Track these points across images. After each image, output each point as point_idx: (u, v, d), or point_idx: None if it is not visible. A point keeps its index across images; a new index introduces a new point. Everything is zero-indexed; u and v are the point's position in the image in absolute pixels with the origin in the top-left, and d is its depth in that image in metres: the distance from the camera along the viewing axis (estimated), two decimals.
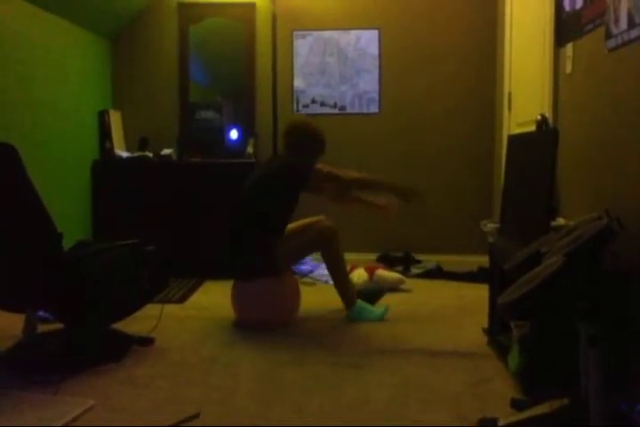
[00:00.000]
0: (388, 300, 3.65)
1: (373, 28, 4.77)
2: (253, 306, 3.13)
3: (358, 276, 3.83)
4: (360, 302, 3.26)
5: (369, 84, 4.80)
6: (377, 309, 3.27)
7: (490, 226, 3.13)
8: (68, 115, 4.16)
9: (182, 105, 4.85)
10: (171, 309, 3.35)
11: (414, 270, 4.41)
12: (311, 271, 4.28)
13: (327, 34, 4.79)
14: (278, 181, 3.21)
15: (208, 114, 4.67)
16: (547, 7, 3.27)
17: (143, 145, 4.64)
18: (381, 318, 3.20)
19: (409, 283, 4.03)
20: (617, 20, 2.35)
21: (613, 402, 1.75)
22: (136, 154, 4.53)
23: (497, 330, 2.72)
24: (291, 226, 3.33)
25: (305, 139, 3.28)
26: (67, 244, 2.68)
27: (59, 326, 2.74)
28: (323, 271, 3.90)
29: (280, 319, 3.14)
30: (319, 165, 3.25)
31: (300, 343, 2.87)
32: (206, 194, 4.31)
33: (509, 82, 4.19)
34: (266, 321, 3.09)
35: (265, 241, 3.13)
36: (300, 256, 3.33)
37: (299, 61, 4.83)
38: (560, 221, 2.73)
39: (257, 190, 3.23)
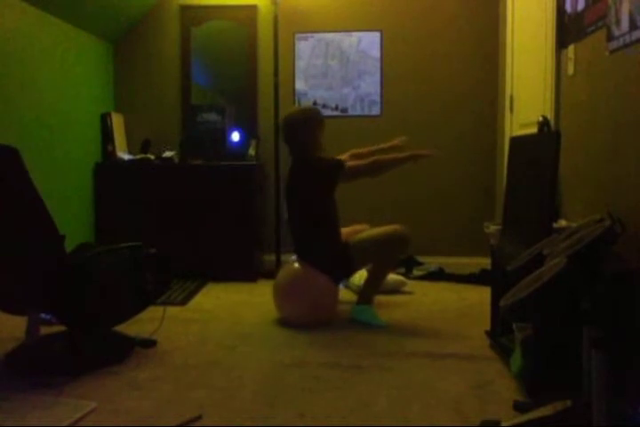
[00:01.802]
0: (389, 302, 3.65)
1: (375, 31, 4.77)
2: (309, 302, 3.18)
3: (360, 277, 3.83)
4: (371, 306, 3.28)
5: (371, 86, 4.80)
6: (380, 318, 3.26)
7: (492, 228, 3.13)
8: (70, 117, 4.17)
9: (184, 107, 4.86)
10: (173, 311, 3.36)
11: (416, 272, 4.41)
12: None
13: (329, 36, 4.80)
14: (316, 179, 3.29)
15: (210, 116, 4.68)
16: (548, 9, 3.28)
17: (145, 147, 4.65)
18: (379, 326, 3.19)
19: (411, 285, 4.03)
20: (618, 22, 2.35)
21: (617, 404, 1.74)
22: (138, 156, 4.54)
23: (499, 332, 2.72)
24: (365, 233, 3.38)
25: (298, 127, 3.38)
26: (69, 246, 2.68)
27: (61, 328, 2.74)
28: None
29: (327, 317, 3.22)
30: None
31: (302, 345, 2.87)
32: (208, 196, 4.32)
33: (511, 84, 4.19)
34: (315, 318, 3.17)
35: (332, 236, 3.28)
36: (371, 260, 3.33)
37: (300, 64, 4.83)
38: (562, 222, 2.73)
39: (304, 194, 3.32)
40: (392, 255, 3.30)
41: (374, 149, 3.66)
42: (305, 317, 3.16)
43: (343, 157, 3.53)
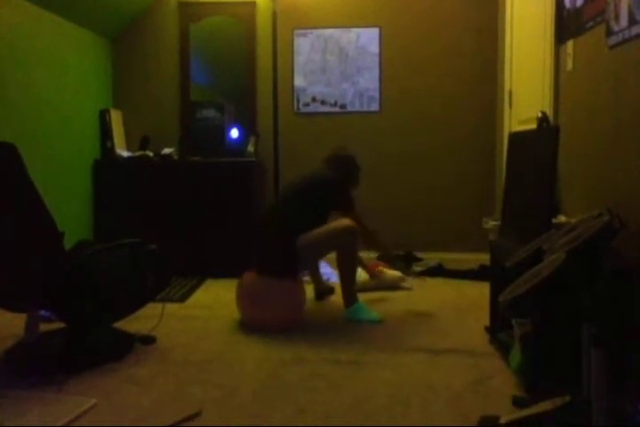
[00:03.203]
0: (389, 298, 3.65)
1: (374, 27, 4.77)
2: (263, 305, 3.11)
3: (357, 275, 3.82)
4: (359, 303, 3.26)
5: (369, 82, 4.80)
6: (373, 312, 3.26)
7: (491, 223, 3.13)
8: (68, 114, 4.16)
9: (183, 104, 4.85)
10: (172, 307, 3.36)
11: (416, 268, 4.40)
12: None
13: (328, 32, 4.79)
14: (323, 191, 3.29)
15: (209, 113, 4.67)
16: (547, 4, 3.27)
17: (144, 144, 4.64)
18: (376, 322, 3.18)
19: (410, 281, 4.03)
20: (617, 18, 2.34)
21: (616, 401, 1.75)
22: (137, 153, 4.53)
23: (498, 328, 2.72)
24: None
25: (352, 167, 3.47)
26: (68, 243, 2.68)
27: (60, 325, 2.74)
28: (323, 270, 3.90)
29: (289, 320, 3.13)
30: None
31: (301, 342, 2.87)
32: (207, 193, 4.31)
33: (510, 79, 4.19)
34: (274, 321, 3.08)
35: (290, 241, 3.16)
36: (319, 252, 3.31)
37: (299, 60, 4.83)
38: (561, 218, 2.73)
39: (297, 196, 3.28)
40: (347, 249, 3.21)
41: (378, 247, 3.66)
42: (270, 320, 3.08)
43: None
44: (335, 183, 3.32)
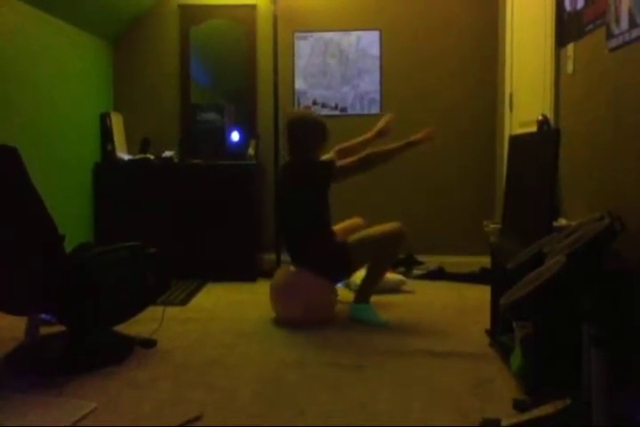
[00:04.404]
0: (390, 301, 3.64)
1: (374, 30, 4.77)
2: (300, 301, 3.16)
3: (359, 277, 3.82)
4: (369, 304, 3.27)
5: (370, 85, 4.80)
6: (380, 316, 3.26)
7: (492, 226, 3.13)
8: (69, 117, 4.16)
9: (183, 107, 4.86)
10: (173, 311, 3.36)
11: (416, 272, 4.40)
12: None
13: (328, 35, 4.80)
14: (306, 181, 3.27)
15: (209, 116, 4.68)
16: (547, 7, 3.27)
17: (145, 147, 4.64)
18: (380, 325, 3.18)
19: (411, 284, 4.03)
20: (618, 20, 2.35)
21: (617, 402, 1.74)
22: (137, 156, 4.54)
23: (499, 331, 2.72)
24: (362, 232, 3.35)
25: (306, 131, 3.32)
26: (68, 246, 2.68)
27: (61, 328, 2.74)
28: None
29: (325, 317, 3.21)
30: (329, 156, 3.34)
31: (302, 344, 2.87)
32: (208, 196, 4.32)
33: (510, 82, 4.19)
34: (313, 318, 3.16)
35: (327, 238, 3.25)
36: (368, 255, 3.28)
37: (300, 63, 4.83)
38: (562, 221, 2.73)
39: (294, 196, 3.31)
40: (390, 253, 3.29)
41: (361, 141, 3.60)
42: (301, 318, 3.15)
43: (329, 155, 3.51)
44: (306, 167, 3.28)
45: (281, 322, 3.20)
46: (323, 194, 3.29)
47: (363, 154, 3.28)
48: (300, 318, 3.15)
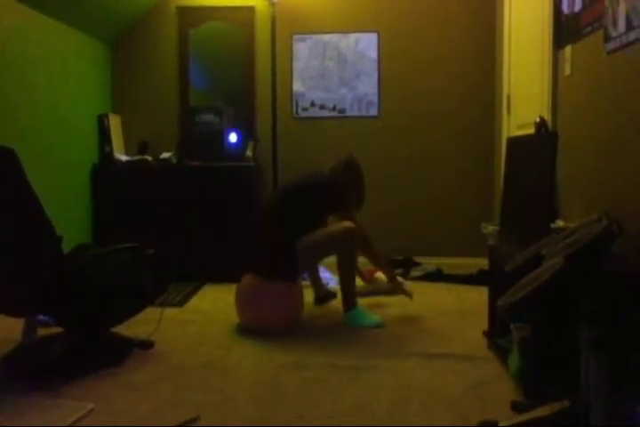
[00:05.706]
0: (387, 303, 3.64)
1: (372, 32, 4.78)
2: (261, 307, 3.10)
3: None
4: (358, 308, 3.25)
5: (368, 87, 4.81)
6: (374, 316, 3.25)
7: (490, 228, 3.13)
8: (67, 119, 4.16)
9: (182, 109, 4.86)
10: (170, 312, 3.35)
11: (414, 273, 4.40)
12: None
13: (326, 37, 4.80)
14: (319, 192, 3.28)
15: (208, 117, 4.68)
16: (545, 10, 3.28)
17: (143, 149, 4.64)
18: (376, 326, 3.18)
19: (408, 286, 4.02)
20: (615, 23, 2.35)
21: (615, 404, 1.74)
22: (135, 158, 4.54)
23: (497, 332, 2.72)
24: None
25: (354, 173, 3.42)
26: (66, 247, 2.67)
27: (58, 329, 2.74)
28: (322, 274, 3.89)
29: (286, 323, 3.12)
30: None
31: (300, 346, 2.87)
32: (205, 197, 4.32)
33: (508, 84, 4.20)
34: (271, 324, 3.07)
35: (289, 242, 3.15)
36: (319, 254, 3.29)
37: (298, 65, 4.84)
38: (559, 223, 2.73)
39: (295, 197, 3.27)
40: (343, 249, 3.19)
41: (377, 258, 3.51)
42: (267, 323, 3.08)
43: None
44: (330, 185, 3.29)
45: (246, 330, 3.11)
46: (321, 215, 3.32)
47: (367, 243, 3.35)
48: (261, 326, 3.07)
